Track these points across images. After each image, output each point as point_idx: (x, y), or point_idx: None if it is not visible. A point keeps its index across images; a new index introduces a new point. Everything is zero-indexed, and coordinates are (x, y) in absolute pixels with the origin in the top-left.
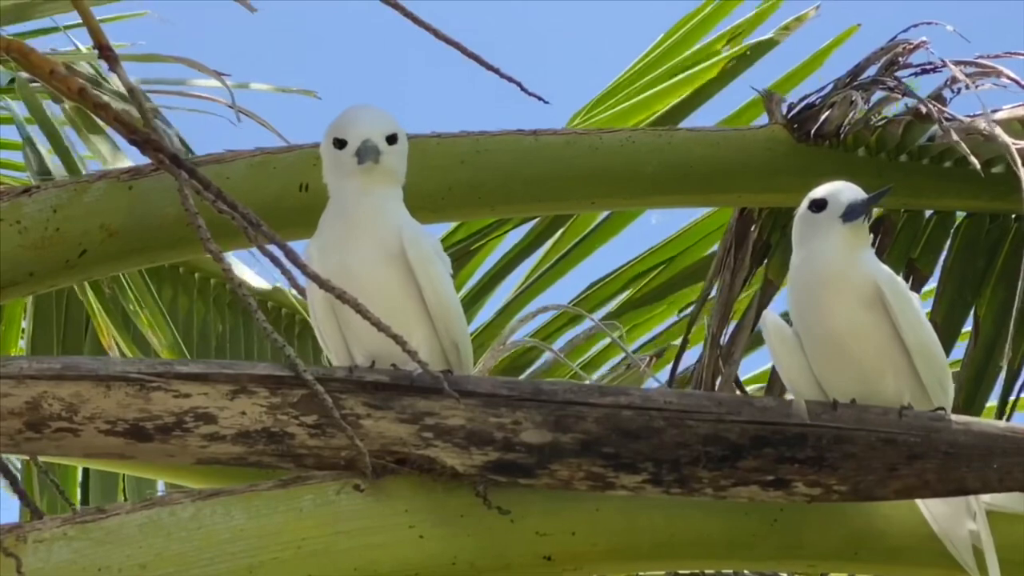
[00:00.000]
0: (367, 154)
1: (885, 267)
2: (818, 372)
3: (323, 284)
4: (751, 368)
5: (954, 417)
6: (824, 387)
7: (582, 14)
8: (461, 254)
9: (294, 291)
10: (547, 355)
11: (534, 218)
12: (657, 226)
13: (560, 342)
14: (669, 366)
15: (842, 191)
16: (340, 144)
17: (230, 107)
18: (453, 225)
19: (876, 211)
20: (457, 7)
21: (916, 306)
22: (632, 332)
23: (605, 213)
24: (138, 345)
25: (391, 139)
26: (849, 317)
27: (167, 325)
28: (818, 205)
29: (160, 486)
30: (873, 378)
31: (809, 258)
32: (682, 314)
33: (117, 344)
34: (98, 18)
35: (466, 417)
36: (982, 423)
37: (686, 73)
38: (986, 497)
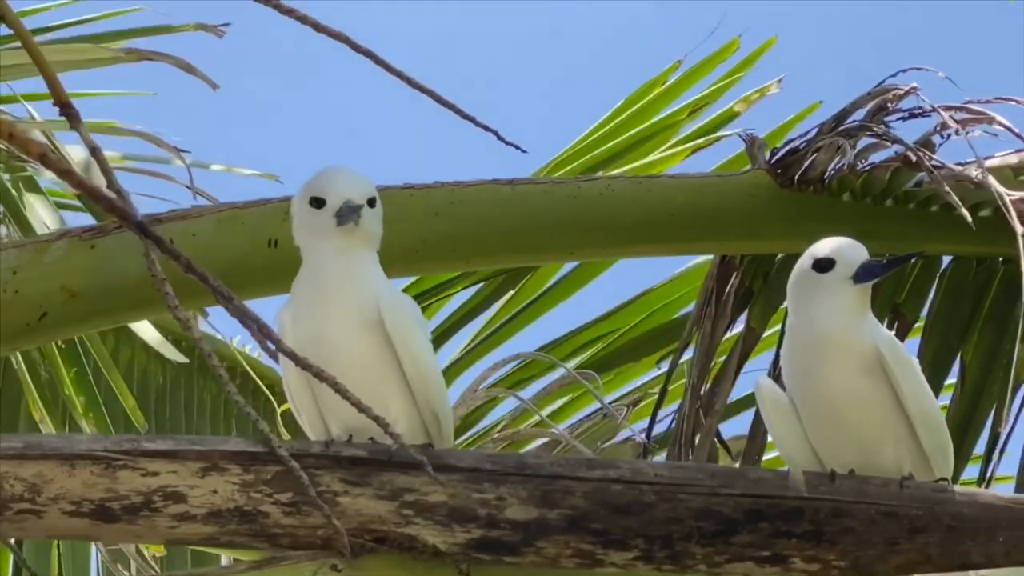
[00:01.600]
0: (348, 215)
1: (885, 330)
2: (815, 440)
3: (299, 361)
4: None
5: (957, 488)
6: (821, 457)
7: (549, 66)
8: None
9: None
10: (514, 403)
11: (478, 282)
12: (627, 279)
13: (528, 391)
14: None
15: (851, 250)
16: (318, 203)
17: (187, 187)
18: (411, 279)
19: None
20: (428, 56)
21: (918, 372)
22: (605, 386)
23: (568, 266)
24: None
25: (371, 202)
26: (849, 383)
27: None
28: (823, 265)
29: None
30: (872, 447)
31: (808, 320)
32: (660, 366)
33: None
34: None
35: (448, 493)
36: (986, 494)
37: (650, 157)
38: (985, 573)
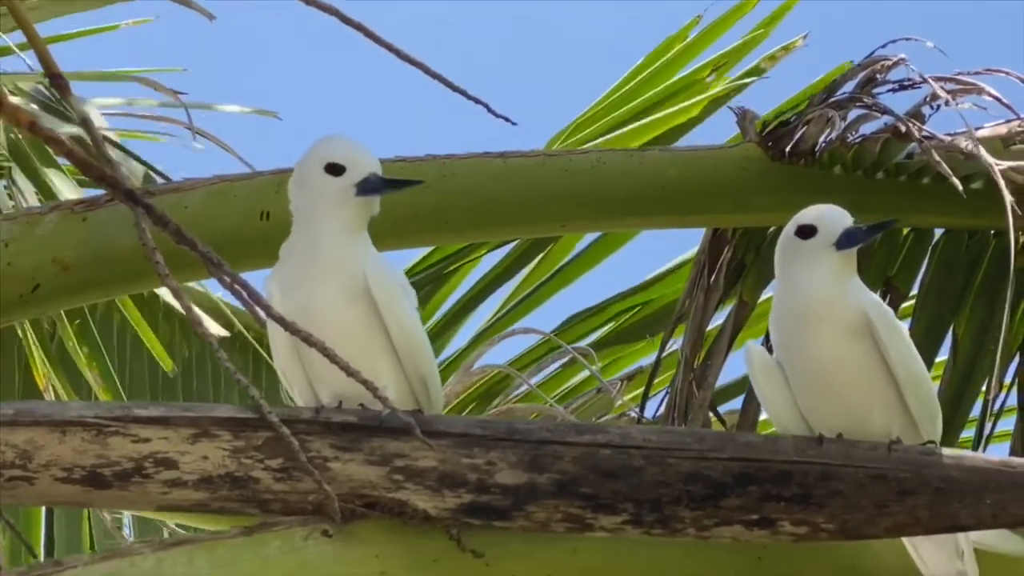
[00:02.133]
0: (372, 187)
1: (873, 295)
2: (803, 406)
3: (289, 327)
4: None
5: (945, 451)
6: (810, 421)
7: (560, 35)
8: (435, 278)
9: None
10: (519, 382)
11: (508, 242)
12: (645, 258)
13: (538, 375)
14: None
15: (833, 216)
16: (335, 171)
17: (187, 128)
18: (428, 249)
19: None
20: (424, 30)
21: (905, 336)
22: (611, 367)
23: (584, 242)
24: (74, 385)
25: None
26: (836, 348)
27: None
28: (806, 231)
29: (126, 523)
30: (861, 411)
31: (794, 286)
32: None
33: (53, 388)
34: (53, 35)
35: (438, 458)
36: (975, 457)
37: (669, 110)
38: (974, 536)
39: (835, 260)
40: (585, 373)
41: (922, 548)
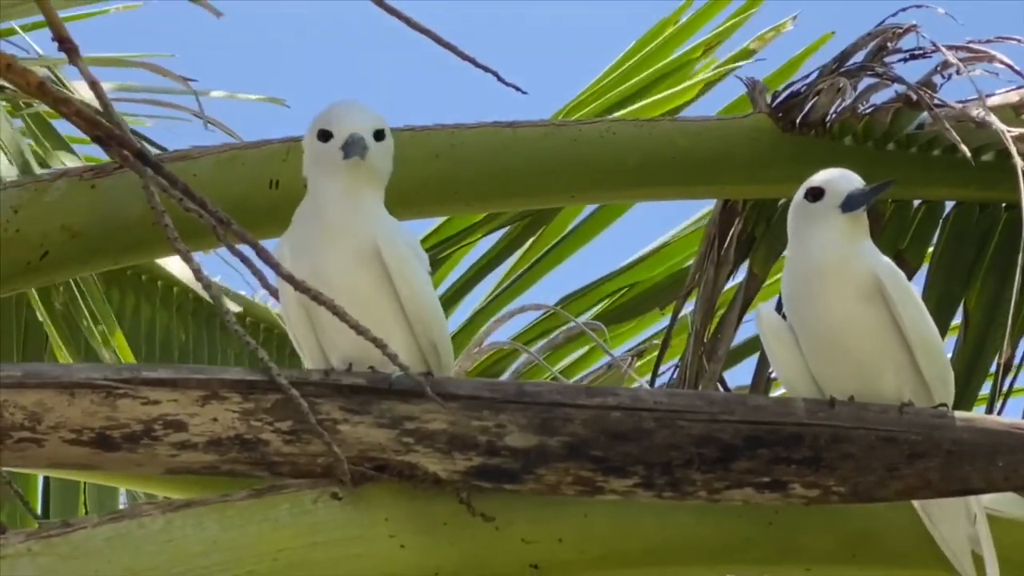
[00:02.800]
0: (354, 148)
1: (885, 258)
2: (815, 369)
3: (298, 285)
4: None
5: (957, 414)
6: (821, 384)
7: (558, 12)
8: (435, 256)
9: (268, 302)
10: (526, 357)
11: (512, 221)
12: (642, 230)
13: (541, 345)
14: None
15: (840, 179)
16: (325, 137)
17: (196, 115)
18: (428, 229)
19: None
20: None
21: (917, 299)
22: (617, 339)
23: (585, 213)
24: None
25: (378, 135)
26: (847, 311)
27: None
28: (815, 194)
29: (122, 495)
30: (872, 374)
31: (805, 249)
32: (664, 314)
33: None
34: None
35: (448, 421)
36: (986, 419)
37: (661, 95)
38: (985, 500)
39: (842, 222)
40: (586, 348)
41: (934, 513)
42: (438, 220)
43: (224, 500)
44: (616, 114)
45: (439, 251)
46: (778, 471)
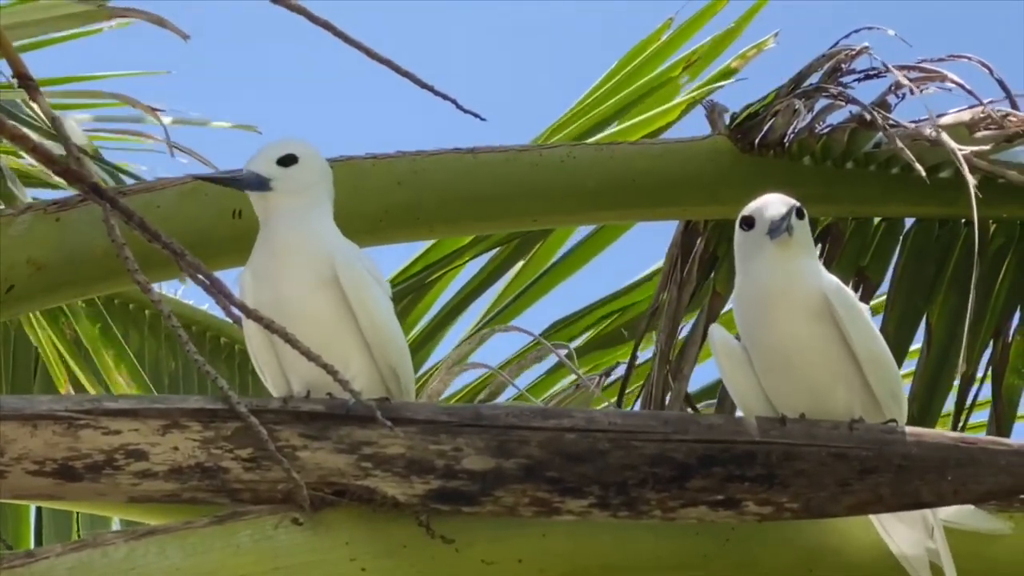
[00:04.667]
0: (256, 184)
1: (831, 277)
2: (767, 387)
3: (250, 313)
4: (701, 381)
5: (907, 429)
6: (774, 402)
7: (531, 40)
8: (416, 287)
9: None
10: (505, 388)
11: (500, 243)
12: (631, 258)
13: (522, 379)
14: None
15: (766, 207)
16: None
17: (164, 142)
18: (408, 260)
19: (823, 219)
20: (397, 31)
21: (866, 316)
22: (592, 370)
23: (573, 240)
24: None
25: (285, 160)
26: (796, 331)
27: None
28: (747, 223)
29: (115, 524)
30: (823, 392)
31: (750, 274)
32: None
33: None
34: (26, 42)
35: (405, 445)
36: (934, 434)
37: (643, 116)
38: (943, 513)
39: (774, 248)
40: (568, 378)
41: (891, 526)
42: (421, 247)
43: (186, 527)
44: (598, 137)
45: (426, 275)
46: (732, 489)
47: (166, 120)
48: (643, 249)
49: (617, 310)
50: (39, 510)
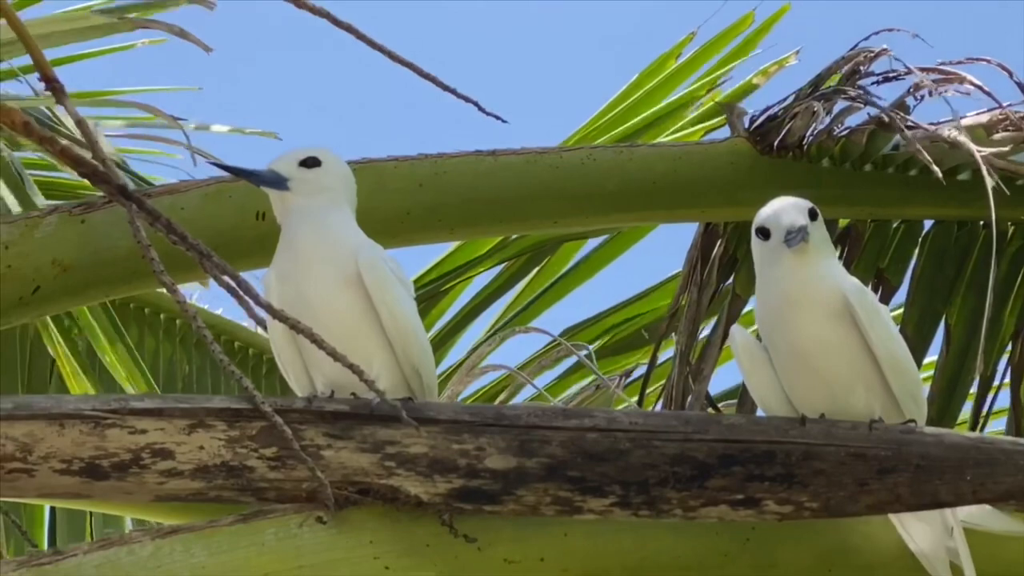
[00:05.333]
0: (273, 181)
1: (852, 278)
2: (787, 387)
3: (277, 314)
4: (723, 384)
5: (926, 429)
6: (794, 403)
7: (557, 51)
8: (433, 293)
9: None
10: (524, 388)
11: (516, 254)
12: (647, 263)
13: (541, 379)
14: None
15: (781, 215)
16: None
17: (186, 147)
18: (432, 261)
19: (842, 221)
20: (422, 38)
21: (886, 317)
22: (610, 373)
23: (588, 247)
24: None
25: (307, 162)
26: (817, 333)
27: (135, 366)
28: (763, 233)
29: (128, 524)
30: (843, 392)
31: (770, 279)
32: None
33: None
34: (53, 57)
35: (428, 445)
36: (953, 435)
37: (663, 137)
38: (962, 514)
39: (792, 255)
40: (584, 380)
41: (911, 525)
42: (442, 252)
43: (211, 526)
44: None
45: (443, 283)
46: (752, 488)
47: (189, 128)
48: (659, 254)
49: (633, 316)
50: (53, 509)
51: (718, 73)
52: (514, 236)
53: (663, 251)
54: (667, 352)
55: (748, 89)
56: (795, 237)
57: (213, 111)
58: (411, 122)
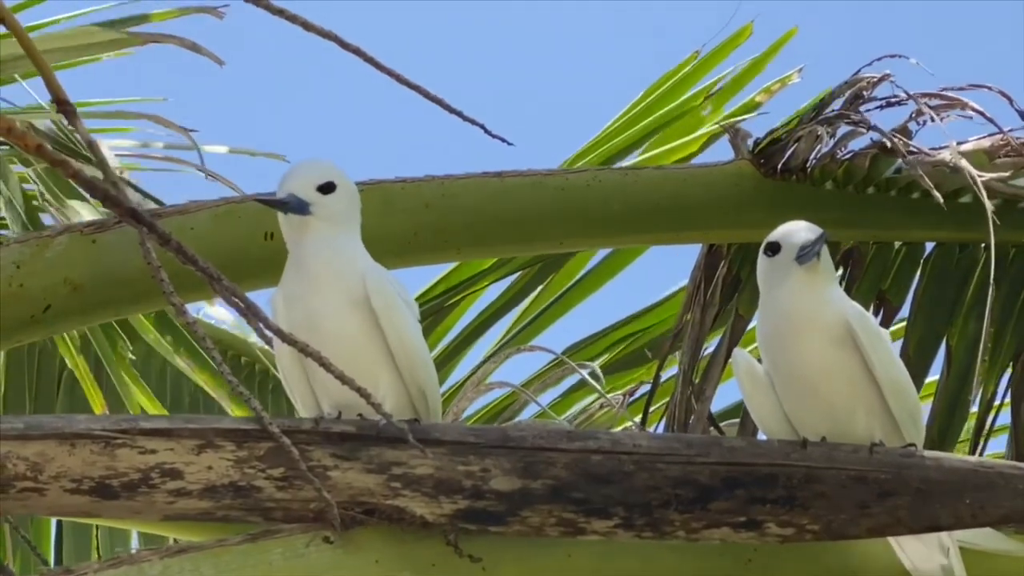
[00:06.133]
0: (297, 208)
1: (854, 303)
2: (789, 411)
3: (285, 338)
4: (725, 401)
5: (925, 453)
6: (795, 426)
7: (558, 67)
8: (437, 309)
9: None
10: (527, 406)
11: (520, 267)
12: (650, 280)
13: (544, 397)
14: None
15: (794, 233)
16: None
17: (198, 168)
18: (437, 276)
19: (845, 243)
20: (429, 60)
21: (887, 342)
22: (614, 390)
23: (593, 262)
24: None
25: (325, 188)
26: (820, 357)
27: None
28: (773, 249)
29: (134, 538)
30: (844, 416)
31: (774, 300)
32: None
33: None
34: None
35: (434, 466)
36: (953, 458)
37: (666, 147)
38: (958, 534)
39: (801, 273)
40: (587, 399)
41: (908, 546)
42: (445, 268)
43: (220, 545)
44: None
45: (447, 298)
46: (754, 510)
47: (199, 140)
48: (659, 271)
49: (634, 332)
50: (59, 523)
51: (720, 88)
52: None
53: (667, 265)
54: (671, 370)
55: (751, 107)
56: (808, 253)
57: (210, 125)
58: (417, 144)
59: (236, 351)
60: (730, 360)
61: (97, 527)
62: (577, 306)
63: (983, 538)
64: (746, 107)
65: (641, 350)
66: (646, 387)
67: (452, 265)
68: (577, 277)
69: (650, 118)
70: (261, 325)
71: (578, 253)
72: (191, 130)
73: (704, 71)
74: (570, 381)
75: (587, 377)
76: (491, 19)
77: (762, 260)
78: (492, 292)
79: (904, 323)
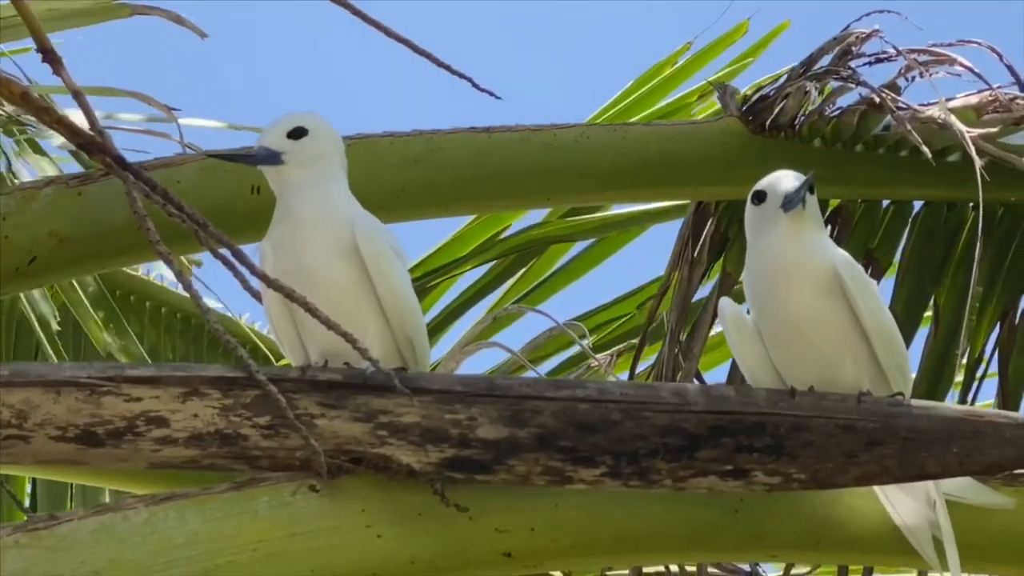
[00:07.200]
0: (267, 159)
1: (842, 251)
2: (776, 360)
3: (271, 283)
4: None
5: (913, 402)
6: (782, 375)
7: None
8: (418, 290)
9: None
10: (511, 358)
11: (501, 254)
12: (624, 271)
13: (524, 346)
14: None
15: (780, 181)
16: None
17: (181, 144)
18: (412, 263)
19: (833, 201)
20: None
21: (874, 290)
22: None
23: (574, 251)
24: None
25: (295, 133)
26: (807, 305)
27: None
28: (759, 197)
29: (107, 495)
30: (832, 365)
31: (761, 249)
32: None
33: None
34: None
35: (421, 414)
36: (941, 407)
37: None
38: (945, 486)
39: (787, 221)
40: (580, 369)
41: (894, 498)
42: (428, 247)
43: (205, 493)
44: None
45: (428, 280)
46: (741, 459)
47: (182, 119)
48: (645, 258)
49: (619, 316)
50: (34, 481)
51: (711, 82)
52: (501, 236)
53: (649, 255)
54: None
55: (741, 101)
56: (792, 200)
57: (197, 94)
58: (406, 99)
59: (186, 312)
60: (717, 312)
61: (72, 486)
62: (559, 292)
63: (970, 491)
64: (735, 65)
65: (624, 335)
66: (629, 343)
67: (433, 246)
68: (560, 263)
69: (641, 113)
70: (248, 273)
71: (561, 240)
72: (174, 109)
73: (698, 66)
74: (562, 357)
75: (575, 337)
76: (486, 10)
77: (749, 209)
78: (473, 275)
79: (893, 281)
